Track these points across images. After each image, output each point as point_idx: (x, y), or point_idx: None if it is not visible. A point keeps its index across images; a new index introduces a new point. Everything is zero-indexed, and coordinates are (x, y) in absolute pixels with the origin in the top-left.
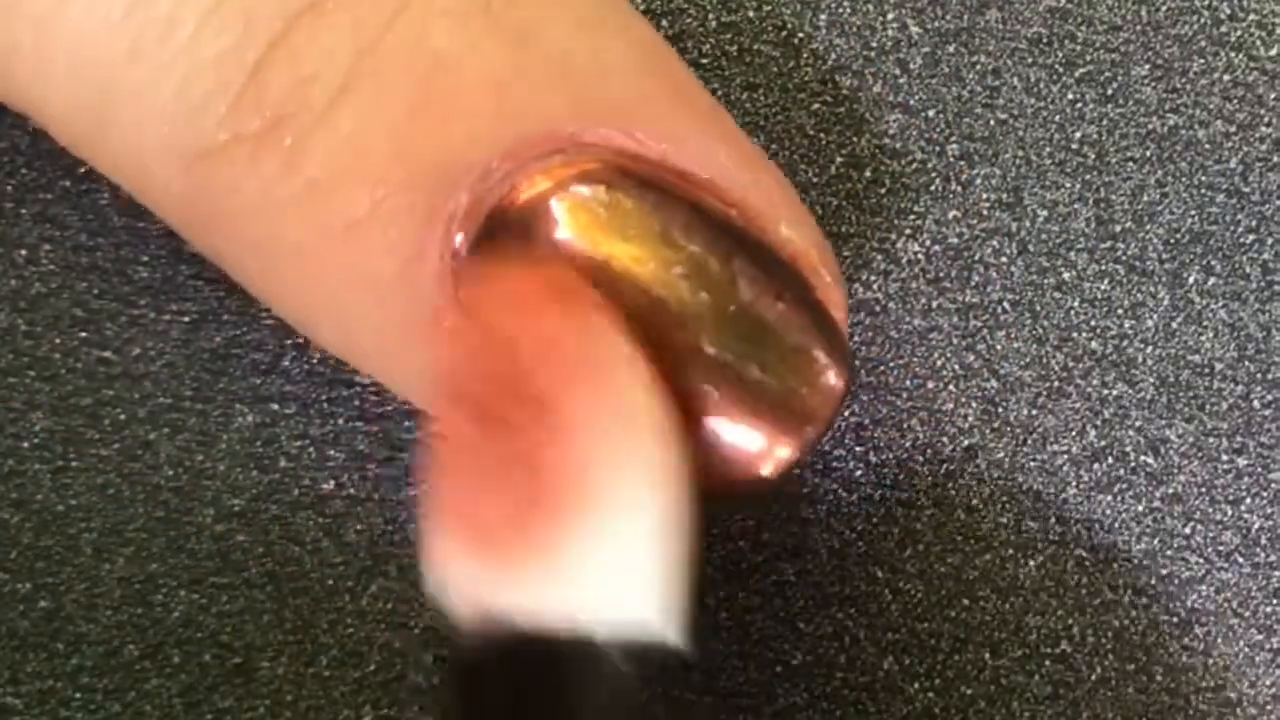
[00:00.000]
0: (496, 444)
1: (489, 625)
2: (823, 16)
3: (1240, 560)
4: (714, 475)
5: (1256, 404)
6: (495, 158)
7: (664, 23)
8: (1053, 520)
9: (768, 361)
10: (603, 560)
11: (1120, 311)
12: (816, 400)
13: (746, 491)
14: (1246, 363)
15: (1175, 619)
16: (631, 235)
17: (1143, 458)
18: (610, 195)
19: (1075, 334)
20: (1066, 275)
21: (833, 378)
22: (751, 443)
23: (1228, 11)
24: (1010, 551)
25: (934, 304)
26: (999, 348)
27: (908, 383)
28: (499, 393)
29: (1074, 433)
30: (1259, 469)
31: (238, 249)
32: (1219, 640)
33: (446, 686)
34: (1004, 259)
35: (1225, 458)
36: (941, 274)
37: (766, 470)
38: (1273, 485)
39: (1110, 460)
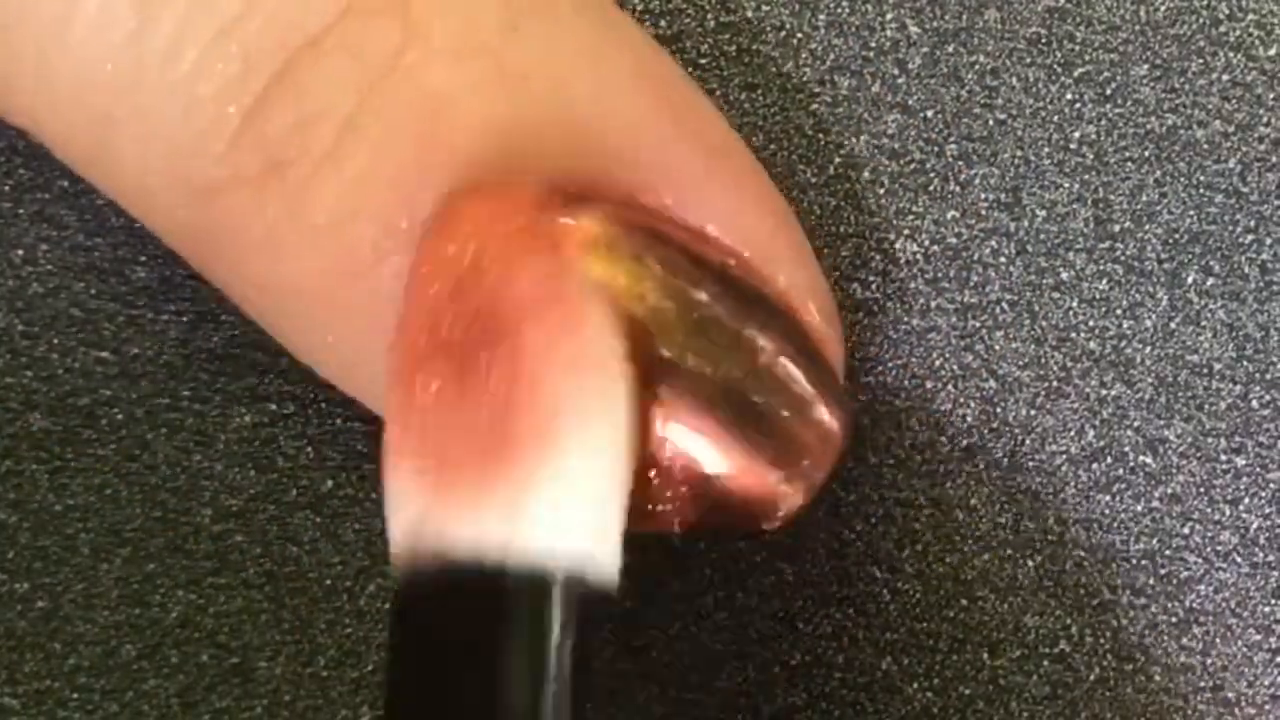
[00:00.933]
0: (462, 379)
1: (436, 558)
2: (821, 16)
3: (1239, 560)
4: (716, 522)
5: (1255, 404)
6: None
7: (662, 22)
8: (1051, 520)
9: (762, 407)
10: (557, 497)
11: (1119, 311)
12: (813, 445)
13: (746, 536)
14: (1245, 363)
15: (1174, 619)
16: (617, 260)
17: (1141, 458)
18: (604, 229)
19: (1074, 334)
20: (1065, 275)
21: (828, 421)
22: (753, 489)
23: (1226, 11)
24: (1009, 551)
25: (932, 304)
26: (997, 348)
27: (906, 382)
28: (466, 326)
29: (1072, 433)
30: (1257, 469)
31: (240, 284)
32: (1217, 640)
33: (389, 622)
34: (1002, 259)
35: (1224, 458)
36: (940, 274)
37: (770, 521)
38: (1271, 485)
39: (1109, 460)
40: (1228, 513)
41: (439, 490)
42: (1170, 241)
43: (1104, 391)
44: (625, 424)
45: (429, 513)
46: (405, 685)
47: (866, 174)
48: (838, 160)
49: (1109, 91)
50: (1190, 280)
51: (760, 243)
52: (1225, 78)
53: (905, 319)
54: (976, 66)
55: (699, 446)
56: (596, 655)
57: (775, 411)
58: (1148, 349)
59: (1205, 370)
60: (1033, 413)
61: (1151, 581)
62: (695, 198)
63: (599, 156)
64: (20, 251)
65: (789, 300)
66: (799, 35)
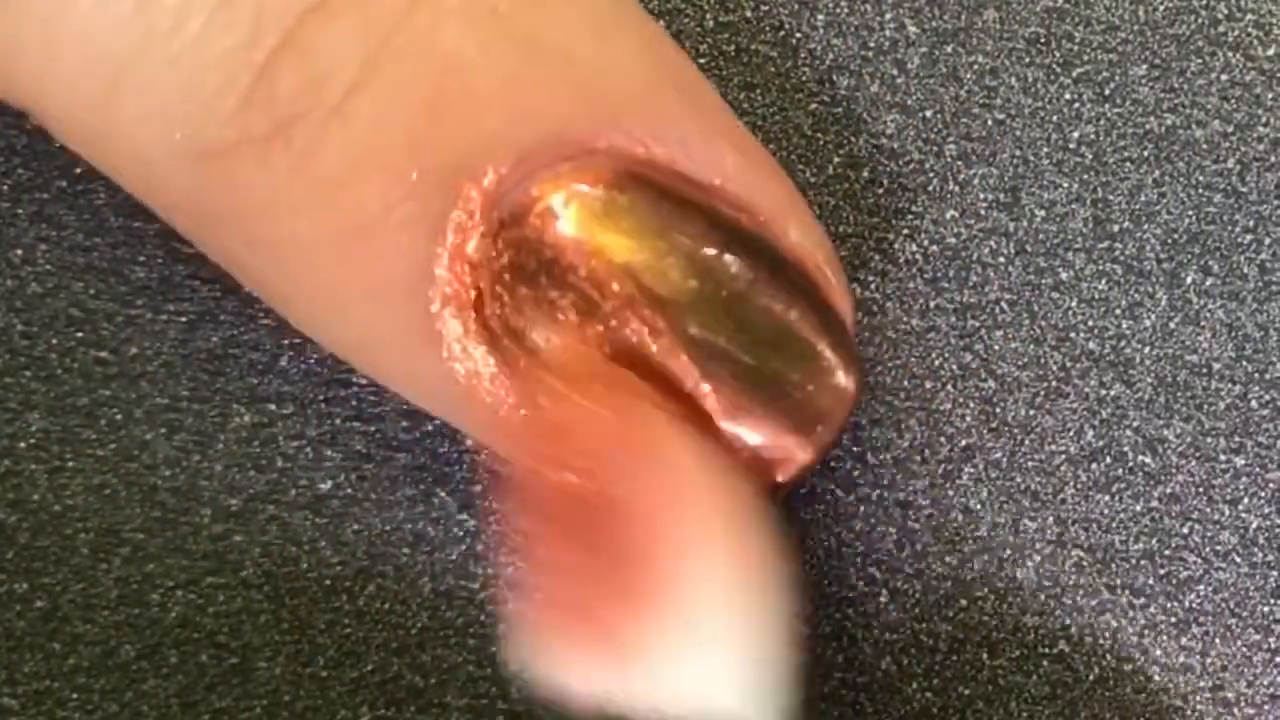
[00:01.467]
0: (580, 540)
1: (581, 711)
2: (820, 16)
3: (1238, 560)
4: None
5: (1254, 404)
6: (506, 164)
7: (661, 22)
8: (1050, 520)
9: (777, 361)
10: (692, 653)
11: (1118, 311)
12: (827, 400)
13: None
14: (1244, 362)
15: (1173, 619)
16: (627, 229)
17: (1140, 457)
18: (609, 194)
19: (1073, 334)
20: (1064, 275)
21: (842, 377)
22: (764, 443)
23: (1225, 11)
24: (1008, 552)
25: (931, 304)
26: (996, 348)
27: (905, 382)
28: (579, 507)
29: (1071, 433)
30: (1257, 469)
31: (245, 248)
32: (1217, 640)
33: None
34: (1001, 259)
35: (1223, 458)
36: (939, 274)
37: (781, 473)
38: (1270, 485)
39: (1108, 460)
40: (1227, 513)
41: (588, 645)
42: (1169, 241)
43: (1103, 391)
44: (757, 569)
45: (578, 665)
46: None
47: (865, 174)
48: (836, 160)
49: (1108, 91)
50: (1189, 280)
51: (768, 196)
52: (1224, 77)
53: (904, 319)
54: (975, 66)
55: (738, 428)
56: None
57: (796, 377)
58: (1147, 349)
59: (1204, 370)
60: (1032, 413)
61: (1151, 581)
62: (704, 153)
63: (610, 114)
64: (19, 251)
65: (800, 255)
66: (798, 35)
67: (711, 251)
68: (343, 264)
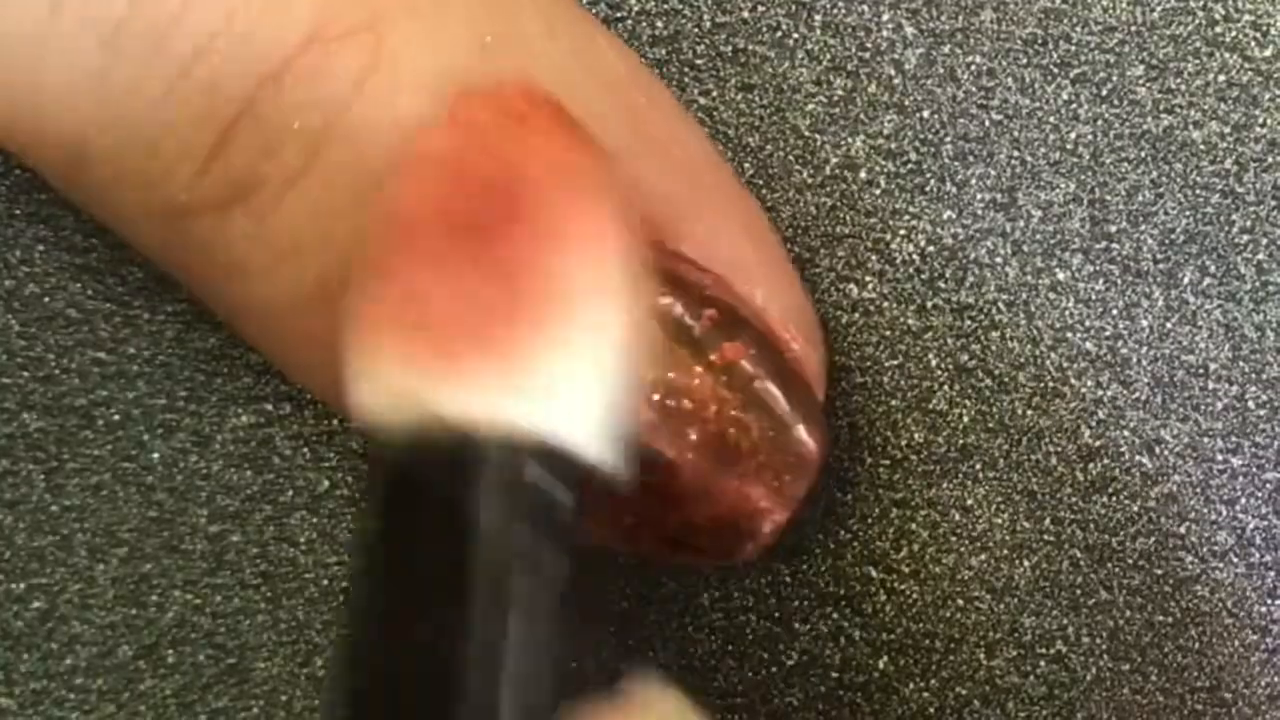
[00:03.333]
0: (459, 248)
1: (419, 428)
2: (817, 17)
3: (1235, 560)
4: (701, 544)
5: (1251, 404)
6: None
7: (658, 23)
8: (1048, 520)
9: (743, 426)
10: (561, 371)
11: (1115, 312)
12: (791, 464)
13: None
14: (1241, 363)
15: (1170, 619)
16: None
17: (1138, 458)
18: None
19: (1070, 334)
20: (1061, 275)
21: (805, 441)
22: (735, 506)
23: (1222, 12)
24: (1005, 552)
25: (929, 304)
26: (994, 348)
27: (902, 383)
28: (473, 197)
29: (1068, 433)
30: (1254, 469)
31: (215, 302)
32: (1214, 640)
33: (369, 490)
34: (998, 259)
35: (1220, 458)
36: (936, 274)
37: (755, 539)
38: (1267, 485)
39: (1105, 460)
40: (1224, 513)
41: (435, 359)
42: (1166, 242)
43: (1100, 392)
44: (635, 321)
45: (421, 381)
46: (386, 545)
47: (863, 174)
48: (834, 161)
49: (1105, 92)
50: (1186, 280)
51: (737, 263)
52: (1221, 78)
53: (902, 319)
54: (972, 67)
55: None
56: (586, 546)
57: (755, 430)
58: (1144, 349)
59: (1201, 370)
60: (1029, 413)
61: (1148, 582)
62: (670, 220)
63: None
64: (17, 252)
65: (767, 320)
66: (795, 36)
67: (671, 306)
68: (304, 327)
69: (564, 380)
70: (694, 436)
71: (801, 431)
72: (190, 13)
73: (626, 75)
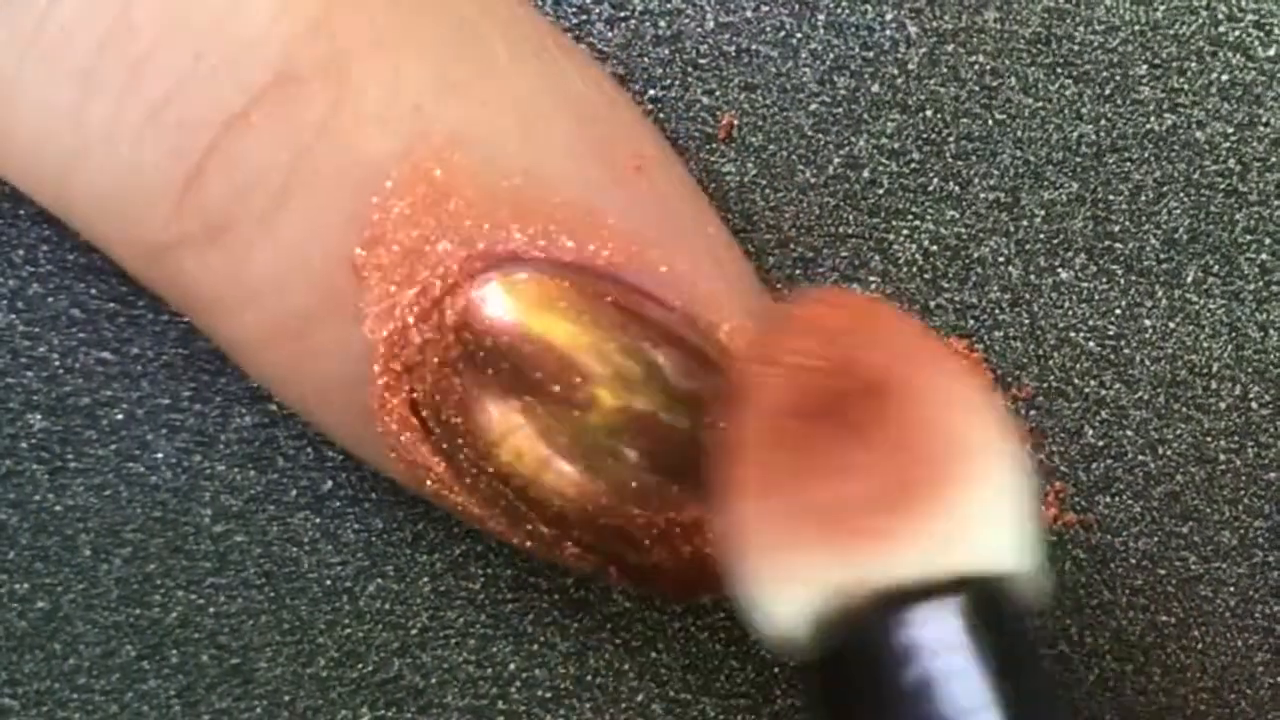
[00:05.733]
0: (828, 439)
1: (846, 608)
2: (821, 16)
3: (1238, 560)
4: (667, 580)
5: (1254, 404)
6: (435, 271)
7: (661, 23)
8: (1050, 521)
9: (703, 455)
10: (981, 513)
11: (1118, 311)
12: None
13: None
14: (1244, 363)
15: (1173, 619)
16: (564, 311)
17: (1140, 457)
18: (542, 288)
19: (1073, 334)
20: (1064, 275)
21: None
22: (700, 541)
23: (1226, 12)
24: None
25: (932, 304)
26: (996, 348)
27: None
28: (830, 391)
29: (1072, 433)
30: (1257, 469)
31: (203, 328)
32: (1217, 641)
33: (813, 685)
34: (1001, 259)
35: (1223, 458)
36: (939, 274)
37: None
38: (1271, 485)
39: (1108, 460)
40: (1227, 513)
41: (859, 542)
42: (1170, 241)
43: (1103, 392)
44: (1016, 444)
45: (851, 566)
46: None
47: (866, 174)
48: (837, 160)
49: (1108, 91)
50: (1190, 280)
51: (703, 295)
52: (1225, 78)
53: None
54: (976, 66)
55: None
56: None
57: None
58: (1147, 349)
59: (1205, 370)
60: (1032, 413)
61: (1151, 582)
62: (637, 260)
63: (531, 216)
64: (21, 252)
65: (733, 350)
66: (798, 35)
67: (637, 346)
68: (284, 360)
69: (989, 518)
70: (658, 470)
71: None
72: (158, 54)
73: (597, 105)
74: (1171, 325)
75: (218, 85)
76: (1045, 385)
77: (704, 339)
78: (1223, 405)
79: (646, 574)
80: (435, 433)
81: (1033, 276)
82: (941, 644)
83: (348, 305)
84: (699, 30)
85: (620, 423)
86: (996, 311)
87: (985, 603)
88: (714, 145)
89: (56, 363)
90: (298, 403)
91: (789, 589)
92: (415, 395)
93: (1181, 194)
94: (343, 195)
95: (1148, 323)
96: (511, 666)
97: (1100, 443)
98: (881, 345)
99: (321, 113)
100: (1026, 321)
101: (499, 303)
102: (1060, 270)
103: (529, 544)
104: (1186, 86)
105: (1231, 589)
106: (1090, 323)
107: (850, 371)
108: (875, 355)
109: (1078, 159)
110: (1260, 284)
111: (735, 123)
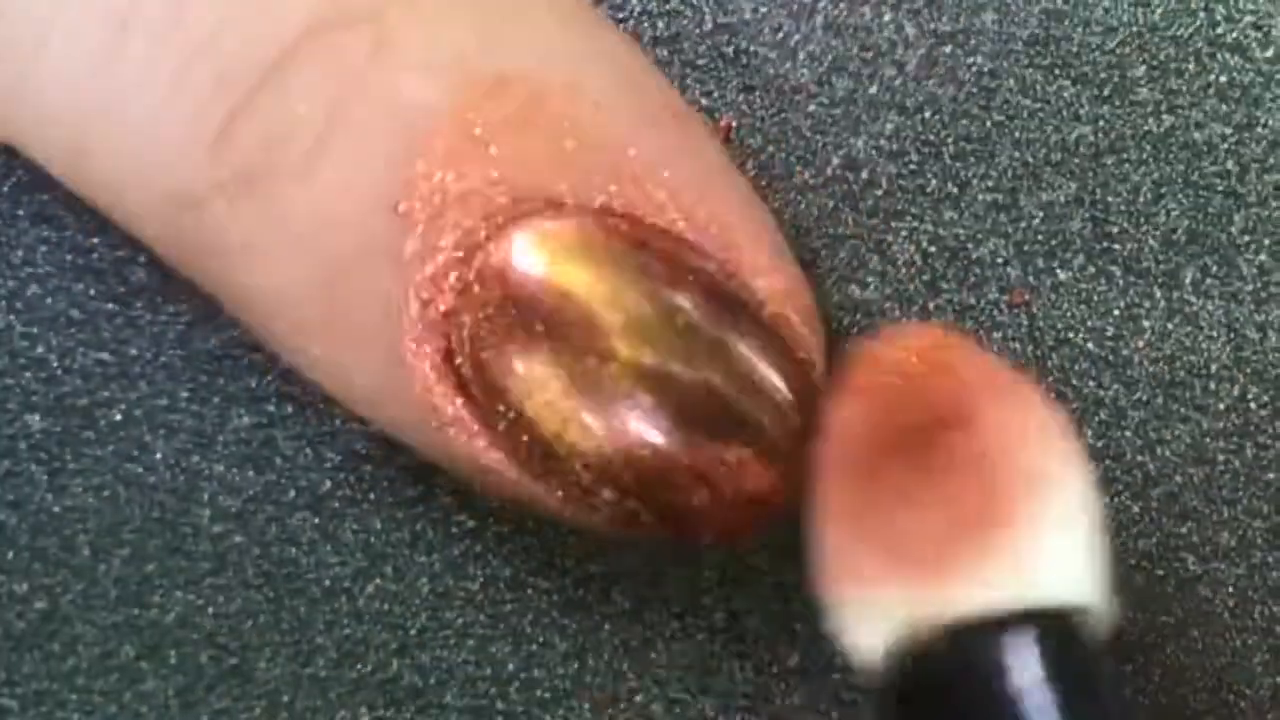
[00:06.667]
0: (903, 472)
1: (919, 643)
2: (819, 18)
3: (1237, 561)
4: (701, 525)
5: (1253, 405)
6: (476, 218)
7: (660, 24)
8: None
9: (742, 411)
10: (1052, 546)
11: (1116, 312)
12: (790, 448)
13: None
14: (1243, 363)
15: (1172, 620)
16: (597, 267)
17: (1139, 458)
18: (579, 235)
19: (1071, 335)
20: (1063, 276)
21: (795, 416)
22: (735, 486)
23: (1224, 13)
24: None
25: (930, 305)
26: (995, 349)
27: None
28: (907, 424)
29: (1070, 434)
30: (1256, 469)
31: (225, 291)
32: (1216, 641)
33: (887, 713)
34: (1000, 260)
35: (1222, 458)
36: (938, 275)
37: (753, 519)
38: (1270, 486)
39: (1107, 461)
40: (1226, 513)
41: (930, 576)
42: (1168, 242)
43: (1102, 392)
44: (1086, 477)
45: (924, 601)
46: None
47: (864, 175)
48: (835, 161)
49: (1106, 93)
50: (1188, 281)
51: (740, 248)
52: (1223, 79)
53: (903, 320)
54: (974, 68)
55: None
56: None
57: (754, 416)
58: (1145, 350)
59: (1203, 371)
60: None
61: (1150, 582)
62: (674, 204)
63: (574, 164)
64: (19, 252)
65: (770, 304)
66: (796, 37)
67: (670, 292)
68: (314, 310)
69: (1060, 552)
70: (695, 420)
71: (799, 420)
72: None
73: (635, 60)
74: (1170, 326)
75: (259, 27)
76: (1044, 386)
77: (743, 290)
78: (1221, 406)
79: (687, 518)
80: (468, 383)
81: (1031, 277)
82: (1015, 674)
83: (385, 252)
84: (697, 31)
85: (659, 372)
86: (995, 313)
87: (1058, 635)
88: None
89: (55, 363)
90: (325, 355)
91: (865, 618)
92: (450, 344)
93: (1180, 195)
94: (383, 141)
95: (1146, 324)
96: (510, 667)
97: (1099, 443)
98: (955, 376)
99: (364, 58)
100: (1025, 322)
101: (539, 251)
102: (1059, 271)
103: (560, 495)
104: (1184, 88)
105: (1230, 589)
106: (1089, 323)
107: (925, 403)
108: (949, 386)
109: (1076, 160)
110: (1259, 285)
111: (733, 124)
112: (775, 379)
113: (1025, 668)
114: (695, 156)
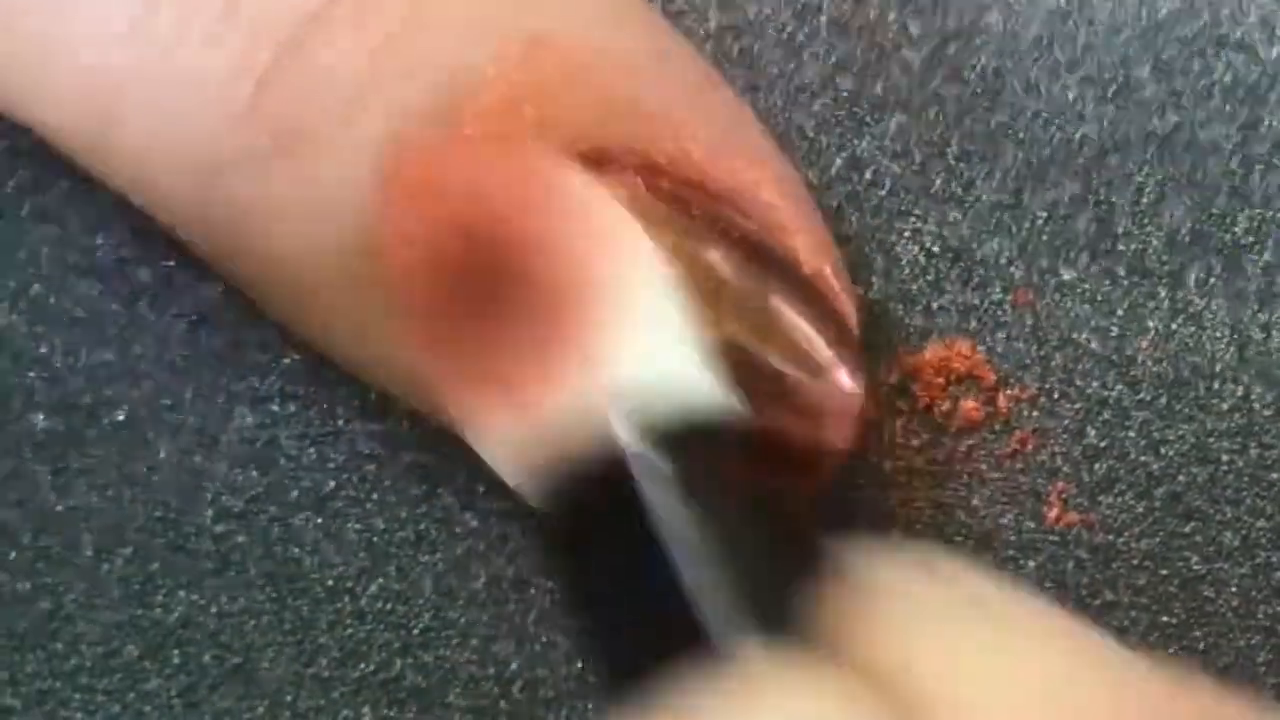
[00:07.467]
0: (483, 308)
1: (554, 472)
2: (823, 17)
3: (1240, 560)
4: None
5: (1257, 404)
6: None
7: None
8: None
9: (784, 370)
10: (642, 345)
11: (1121, 312)
12: (833, 408)
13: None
14: (1247, 363)
15: (1176, 620)
16: (647, 217)
17: (1143, 458)
18: (634, 188)
19: (1075, 334)
20: (1067, 275)
21: (847, 384)
22: (781, 446)
23: (1228, 12)
24: (1011, 552)
25: (934, 305)
26: (999, 349)
27: (908, 383)
28: (474, 258)
29: (1074, 433)
30: (1259, 469)
31: (247, 262)
32: (1219, 641)
33: (553, 546)
34: (1004, 259)
35: (1225, 458)
36: (942, 275)
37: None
38: (1274, 485)
39: (1111, 460)
40: (1229, 513)
41: (528, 402)
42: (1172, 242)
43: (1106, 392)
44: (673, 276)
45: (534, 426)
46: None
47: (868, 174)
48: (839, 161)
49: (1111, 92)
50: (1192, 280)
51: (776, 207)
52: (1228, 78)
53: (907, 320)
54: (978, 67)
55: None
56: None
57: (797, 375)
58: (1150, 349)
59: (1207, 370)
60: (1035, 413)
61: (1153, 582)
62: (714, 165)
63: (618, 122)
64: (24, 252)
65: (807, 261)
66: (801, 36)
67: (711, 250)
68: (344, 278)
69: (653, 353)
70: (739, 382)
71: (843, 374)
72: None
73: (669, 30)
74: (1174, 325)
75: None
76: (1047, 386)
77: (780, 248)
78: (1225, 405)
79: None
80: None
81: (1035, 277)
82: (649, 483)
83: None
84: (701, 31)
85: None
86: (999, 312)
87: (679, 438)
88: None
89: (59, 363)
90: (349, 328)
91: (494, 457)
92: None
93: (1184, 194)
94: (420, 100)
95: (1150, 323)
96: (514, 666)
97: (1103, 443)
98: (515, 194)
99: (400, 14)
100: (1029, 322)
101: None
102: (1063, 270)
103: None
104: (1189, 87)
105: (1234, 589)
106: (1093, 323)
107: (490, 228)
108: (505, 205)
109: (1080, 160)
110: (1263, 284)
111: None
112: (820, 345)
113: (653, 473)
114: (728, 118)
